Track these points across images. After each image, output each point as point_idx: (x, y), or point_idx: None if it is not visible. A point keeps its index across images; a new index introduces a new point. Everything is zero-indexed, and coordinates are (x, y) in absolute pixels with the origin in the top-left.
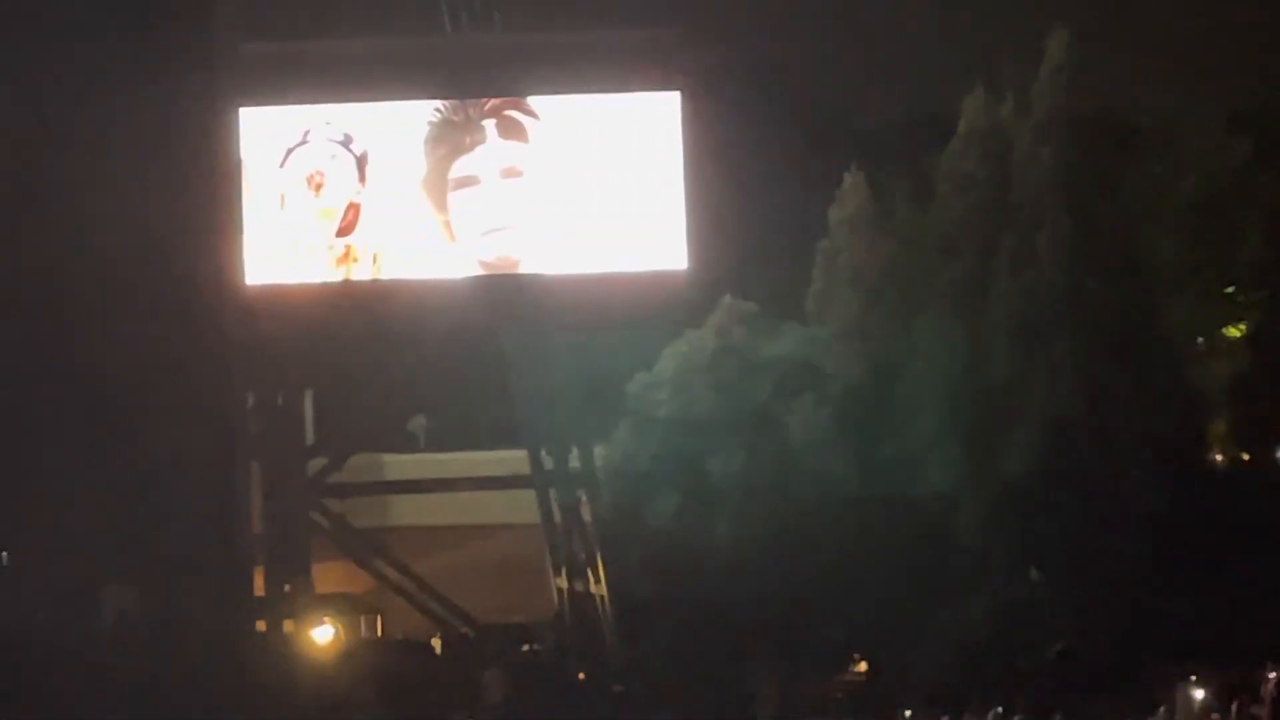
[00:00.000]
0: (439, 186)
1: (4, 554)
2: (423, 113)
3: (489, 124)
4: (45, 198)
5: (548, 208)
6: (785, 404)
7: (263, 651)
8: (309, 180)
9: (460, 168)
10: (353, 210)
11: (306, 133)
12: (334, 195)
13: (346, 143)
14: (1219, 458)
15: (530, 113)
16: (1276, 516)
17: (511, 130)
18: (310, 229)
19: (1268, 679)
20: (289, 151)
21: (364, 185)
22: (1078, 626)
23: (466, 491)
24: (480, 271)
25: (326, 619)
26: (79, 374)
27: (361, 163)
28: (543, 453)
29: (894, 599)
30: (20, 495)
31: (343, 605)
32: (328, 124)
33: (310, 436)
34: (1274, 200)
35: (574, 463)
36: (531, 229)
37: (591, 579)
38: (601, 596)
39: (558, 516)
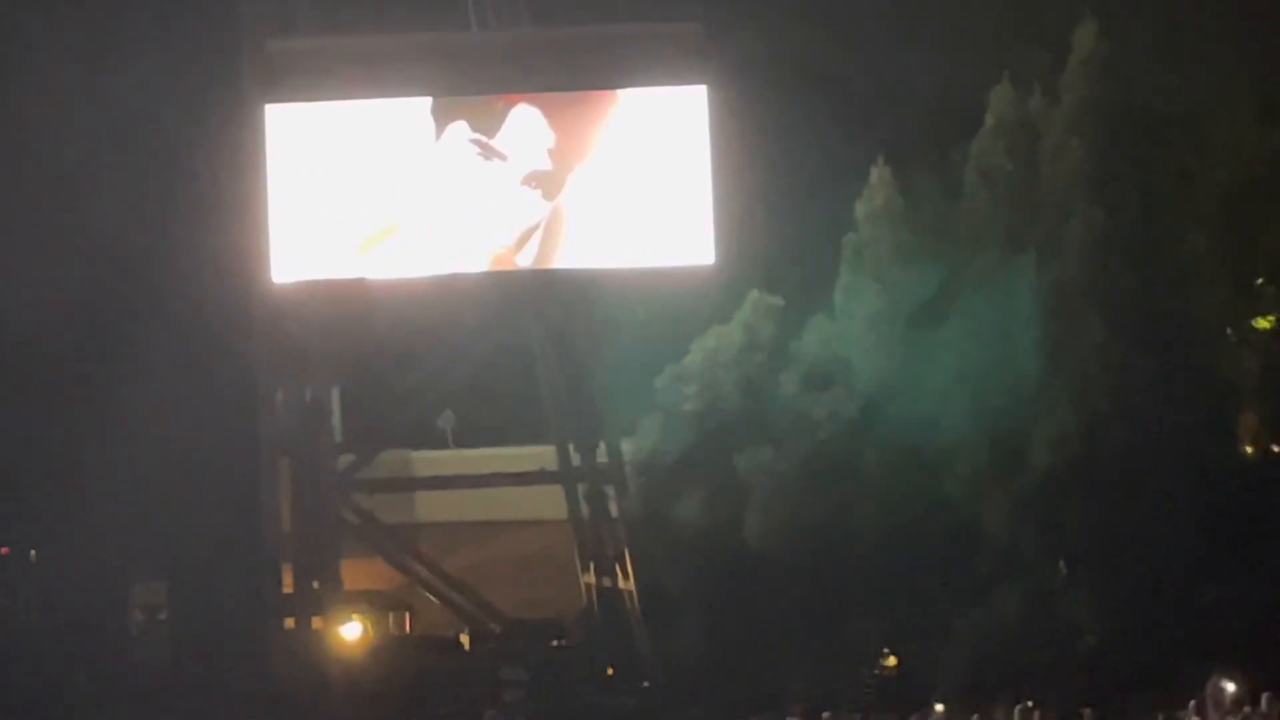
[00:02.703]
0: (466, 180)
1: (32, 552)
2: (447, 108)
3: (514, 116)
4: (70, 195)
5: (575, 203)
6: (813, 398)
7: (291, 648)
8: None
9: (486, 161)
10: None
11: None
12: (368, 192)
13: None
14: (1249, 450)
15: (558, 107)
16: None
17: (537, 125)
18: (338, 225)
19: None
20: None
21: (396, 180)
22: (1107, 620)
23: (495, 487)
24: (507, 267)
25: (355, 616)
26: (106, 373)
27: (394, 158)
28: (571, 448)
29: (923, 592)
30: (48, 493)
31: (372, 601)
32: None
33: (339, 433)
34: None
35: (602, 458)
36: (558, 224)
37: (620, 574)
38: (630, 592)
39: (586, 512)
